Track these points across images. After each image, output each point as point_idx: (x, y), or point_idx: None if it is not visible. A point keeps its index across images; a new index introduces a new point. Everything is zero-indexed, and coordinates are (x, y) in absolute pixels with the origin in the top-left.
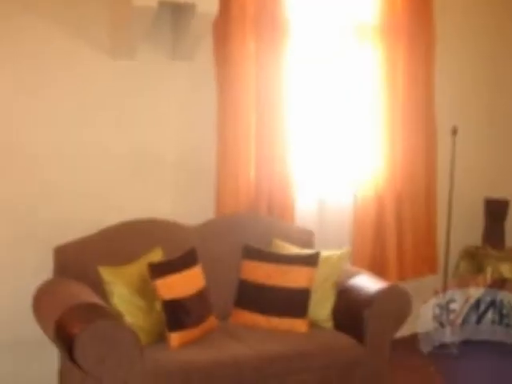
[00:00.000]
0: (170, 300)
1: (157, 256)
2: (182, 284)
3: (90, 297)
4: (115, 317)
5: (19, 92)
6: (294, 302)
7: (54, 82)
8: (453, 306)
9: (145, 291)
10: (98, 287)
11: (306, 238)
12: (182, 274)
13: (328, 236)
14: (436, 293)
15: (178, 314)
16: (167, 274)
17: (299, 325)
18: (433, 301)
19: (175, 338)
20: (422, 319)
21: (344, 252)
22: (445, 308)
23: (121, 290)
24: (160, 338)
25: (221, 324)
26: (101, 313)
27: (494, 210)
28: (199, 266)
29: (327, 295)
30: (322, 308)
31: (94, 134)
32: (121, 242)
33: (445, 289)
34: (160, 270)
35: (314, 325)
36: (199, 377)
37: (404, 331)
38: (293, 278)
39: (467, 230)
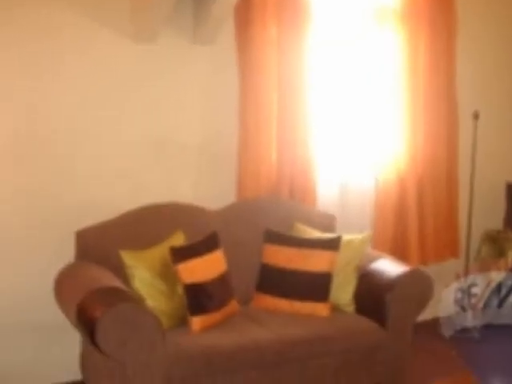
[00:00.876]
0: (191, 284)
1: (179, 240)
2: (204, 268)
3: (111, 280)
4: (137, 300)
5: (40, 77)
6: (316, 286)
7: (75, 66)
8: (474, 290)
9: (166, 275)
10: (120, 271)
11: (327, 222)
12: (203, 258)
13: (349, 220)
14: (457, 277)
15: (199, 298)
16: (189, 257)
17: (321, 309)
18: (454, 285)
19: (197, 322)
20: (444, 303)
21: (366, 236)
22: (466, 292)
23: (142, 274)
24: (182, 322)
25: (242, 308)
26: (122, 296)
27: None
28: (221, 249)
29: (349, 279)
30: (343, 292)
31: (116, 119)
32: (143, 225)
33: (466, 273)
34: (182, 253)
35: (335, 309)
36: (221, 361)
37: (426, 315)
38: (314, 262)
39: (489, 213)
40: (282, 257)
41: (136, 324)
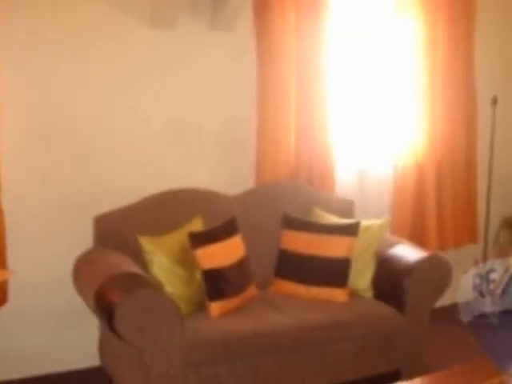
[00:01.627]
0: (210, 269)
1: (197, 225)
2: (222, 253)
3: (129, 266)
4: (155, 286)
5: (59, 62)
6: (334, 272)
7: (94, 52)
8: (493, 275)
9: (185, 261)
10: (138, 257)
11: (346, 208)
12: (222, 244)
13: (368, 205)
14: (476, 262)
15: (218, 283)
16: (207, 243)
17: (339, 294)
18: (473, 270)
19: (215, 307)
20: (462, 289)
21: (384, 221)
22: (485, 278)
23: (161, 260)
24: (200, 308)
25: (261, 293)
26: (141, 282)
27: None
28: (239, 235)
29: (367, 265)
30: (361, 277)
31: (134, 104)
32: (161, 211)
33: (485, 258)
34: (200, 239)
35: (353, 294)
36: (239, 346)
37: (444, 301)
38: (333, 247)
39: (507, 199)
40: (301, 242)
41: (154, 310)
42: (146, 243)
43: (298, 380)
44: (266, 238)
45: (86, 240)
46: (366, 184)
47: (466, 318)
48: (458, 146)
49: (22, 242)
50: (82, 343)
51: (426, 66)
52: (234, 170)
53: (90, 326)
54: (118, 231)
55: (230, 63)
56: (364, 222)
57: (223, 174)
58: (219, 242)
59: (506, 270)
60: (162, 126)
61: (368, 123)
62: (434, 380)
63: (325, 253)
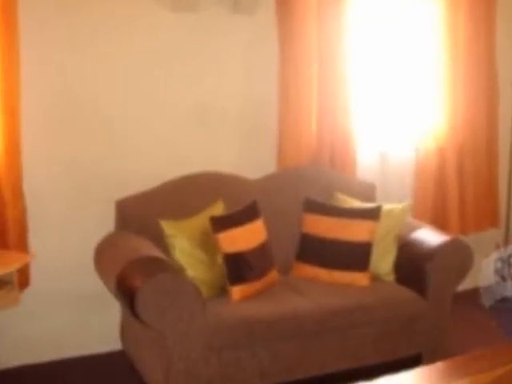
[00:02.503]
0: (231, 253)
1: (218, 209)
2: (244, 237)
3: (151, 250)
4: (177, 270)
5: (81, 46)
6: (356, 256)
7: (116, 36)
8: None
9: (207, 245)
10: (160, 241)
11: (367, 192)
12: (243, 228)
13: (390, 189)
14: (497, 246)
15: (239, 267)
16: (229, 227)
17: (361, 278)
18: (494, 255)
19: (237, 291)
20: (484, 273)
21: (406, 205)
22: (506, 262)
23: (182, 244)
24: (221, 292)
25: (282, 277)
26: (162, 266)
27: None
28: (261, 219)
29: (389, 249)
30: (383, 262)
31: (157, 88)
32: (183, 195)
33: (506, 242)
34: (222, 223)
35: (375, 278)
36: (261, 330)
37: (465, 285)
38: (355, 231)
39: None
40: (322, 226)
41: (176, 294)
42: (168, 227)
43: (319, 364)
44: (287, 222)
45: (108, 224)
46: (387, 167)
47: (487, 302)
48: (479, 129)
49: (44, 225)
50: (103, 327)
51: (447, 49)
52: (255, 154)
53: (112, 309)
54: (139, 215)
55: (251, 47)
56: (385, 206)
57: (245, 158)
58: (241, 226)
59: None
60: (184, 110)
61: (390, 106)
62: (456, 364)
63: (346, 237)
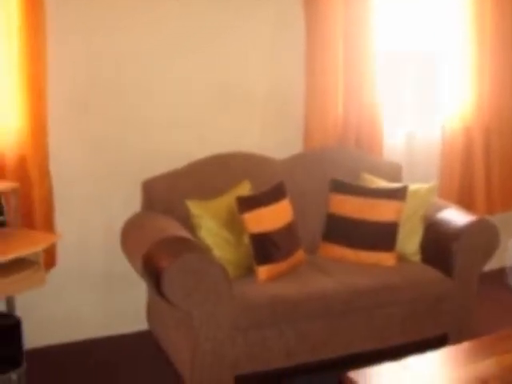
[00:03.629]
0: (257, 233)
1: (245, 189)
2: (270, 217)
3: (177, 230)
4: (203, 250)
5: (105, 28)
6: (382, 236)
7: (139, 18)
8: None
9: (233, 225)
10: (186, 221)
11: (393, 172)
12: (269, 208)
13: (416, 169)
14: None
15: (266, 247)
16: (255, 207)
17: (387, 258)
18: None
19: (263, 271)
20: (510, 253)
21: (432, 185)
22: None
23: (208, 224)
24: (248, 272)
25: (309, 258)
26: (188, 246)
27: None
28: (287, 199)
29: (415, 229)
30: (409, 242)
31: (183, 68)
32: (209, 175)
33: None
34: (248, 203)
35: (401, 258)
36: (286, 310)
37: (492, 265)
38: (381, 211)
39: None
40: (349, 206)
41: (203, 274)
42: (194, 207)
43: (345, 344)
44: (313, 203)
45: (134, 204)
46: (413, 148)
47: None
48: (505, 108)
49: (70, 205)
50: (129, 307)
51: (473, 27)
52: (281, 135)
53: (138, 290)
54: (165, 196)
55: (277, 26)
56: (412, 186)
57: (271, 138)
58: (267, 206)
59: None
60: (211, 90)
61: (416, 87)
62: (482, 344)
63: (373, 217)
